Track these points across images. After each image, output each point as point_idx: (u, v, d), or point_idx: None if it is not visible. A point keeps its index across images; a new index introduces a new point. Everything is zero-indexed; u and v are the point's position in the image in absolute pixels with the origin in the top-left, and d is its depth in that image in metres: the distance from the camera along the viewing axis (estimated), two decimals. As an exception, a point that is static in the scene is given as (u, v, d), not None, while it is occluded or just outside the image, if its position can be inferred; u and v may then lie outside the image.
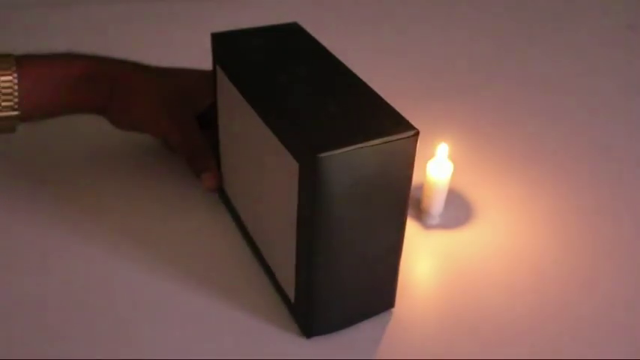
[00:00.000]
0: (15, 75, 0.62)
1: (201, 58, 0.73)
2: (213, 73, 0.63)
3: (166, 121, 0.69)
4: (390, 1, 1.20)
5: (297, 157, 0.49)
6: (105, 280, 0.61)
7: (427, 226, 0.69)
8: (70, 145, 0.77)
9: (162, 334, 0.56)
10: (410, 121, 0.50)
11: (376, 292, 0.57)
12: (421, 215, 0.69)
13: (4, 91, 0.62)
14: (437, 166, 0.67)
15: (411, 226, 0.68)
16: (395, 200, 0.52)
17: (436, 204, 0.68)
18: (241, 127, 0.59)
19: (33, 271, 0.61)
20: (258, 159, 0.57)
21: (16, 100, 0.63)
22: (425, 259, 0.65)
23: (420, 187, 0.69)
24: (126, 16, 1.08)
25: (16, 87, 0.62)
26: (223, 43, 0.61)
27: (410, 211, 0.69)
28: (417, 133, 0.50)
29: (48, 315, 0.57)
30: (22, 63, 0.63)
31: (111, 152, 0.76)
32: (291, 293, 0.56)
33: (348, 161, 0.48)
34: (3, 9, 1.06)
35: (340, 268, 0.53)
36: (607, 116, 0.90)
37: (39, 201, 0.69)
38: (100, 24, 1.06)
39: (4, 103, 0.62)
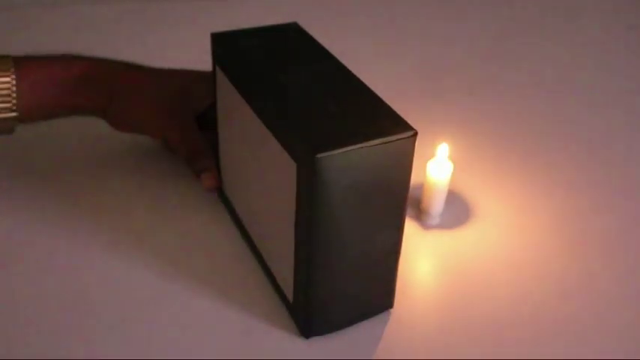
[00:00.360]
0: (13, 76, 0.62)
1: (201, 58, 0.73)
2: (212, 73, 0.63)
3: (166, 122, 0.69)
4: (389, 1, 1.20)
5: (296, 157, 0.49)
6: (104, 280, 0.61)
7: (427, 226, 0.69)
8: (70, 146, 0.77)
9: (161, 334, 0.56)
10: (409, 121, 0.50)
11: (375, 292, 0.57)
12: (421, 215, 0.69)
13: (2, 92, 0.62)
14: (437, 166, 0.67)
15: (411, 226, 0.68)
16: (393, 201, 0.52)
17: (436, 204, 0.68)
18: (240, 127, 0.59)
19: (33, 271, 0.61)
20: (257, 159, 0.57)
21: (14, 101, 0.63)
22: (424, 259, 0.65)
23: (420, 187, 0.69)
24: (126, 16, 1.08)
25: (14, 88, 0.62)
26: (223, 43, 0.61)
27: (409, 211, 0.69)
28: (416, 134, 0.50)
29: (48, 315, 0.57)
30: (20, 64, 0.63)
31: (111, 152, 0.76)
32: (289, 293, 0.56)
33: (347, 162, 0.48)
34: (2, 9, 1.06)
35: (339, 269, 0.53)
36: (607, 116, 0.90)
37: (39, 201, 0.69)
38: (100, 24, 1.06)
39: (2, 105, 0.63)
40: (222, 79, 0.61)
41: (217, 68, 0.62)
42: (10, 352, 0.54)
